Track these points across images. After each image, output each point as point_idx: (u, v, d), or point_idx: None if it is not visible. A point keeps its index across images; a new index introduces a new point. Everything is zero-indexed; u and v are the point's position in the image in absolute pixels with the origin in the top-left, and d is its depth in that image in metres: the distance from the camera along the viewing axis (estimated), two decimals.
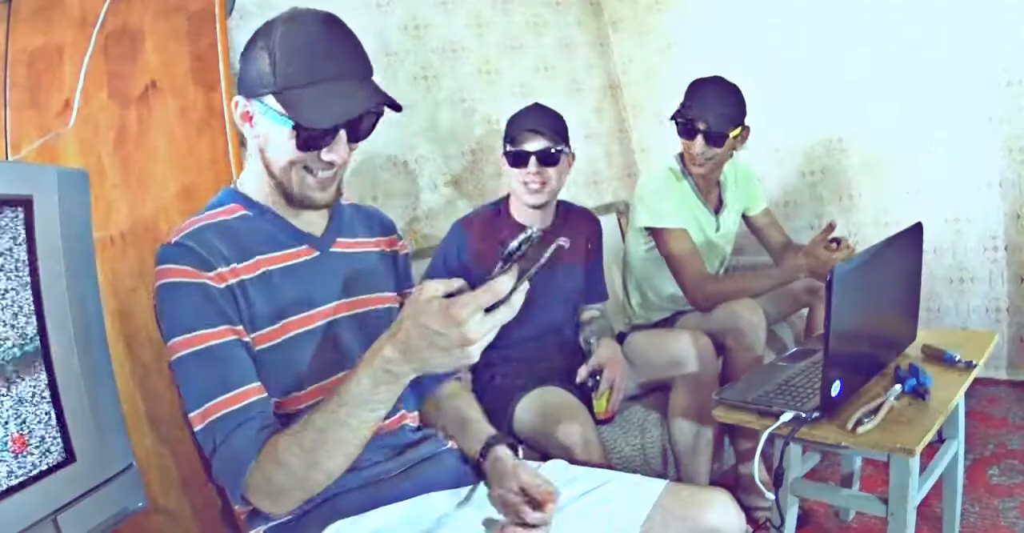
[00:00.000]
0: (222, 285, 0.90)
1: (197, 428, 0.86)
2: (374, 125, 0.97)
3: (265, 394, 0.90)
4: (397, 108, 0.94)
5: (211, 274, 0.89)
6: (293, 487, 0.83)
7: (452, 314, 0.67)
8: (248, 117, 0.94)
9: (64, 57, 1.42)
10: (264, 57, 0.89)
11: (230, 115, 1.56)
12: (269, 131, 0.92)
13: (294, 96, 0.88)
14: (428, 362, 0.72)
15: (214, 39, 1.58)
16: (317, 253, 1.01)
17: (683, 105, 1.87)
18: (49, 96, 1.40)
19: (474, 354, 0.70)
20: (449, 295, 0.70)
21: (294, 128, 0.89)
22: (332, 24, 0.91)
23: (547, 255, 0.74)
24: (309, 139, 0.90)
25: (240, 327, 0.91)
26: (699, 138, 1.83)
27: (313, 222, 1.03)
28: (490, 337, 0.70)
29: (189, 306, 0.88)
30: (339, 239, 1.05)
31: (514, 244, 0.70)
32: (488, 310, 0.68)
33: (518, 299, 0.70)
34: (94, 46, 1.42)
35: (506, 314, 0.70)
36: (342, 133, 0.92)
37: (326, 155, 0.92)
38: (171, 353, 0.88)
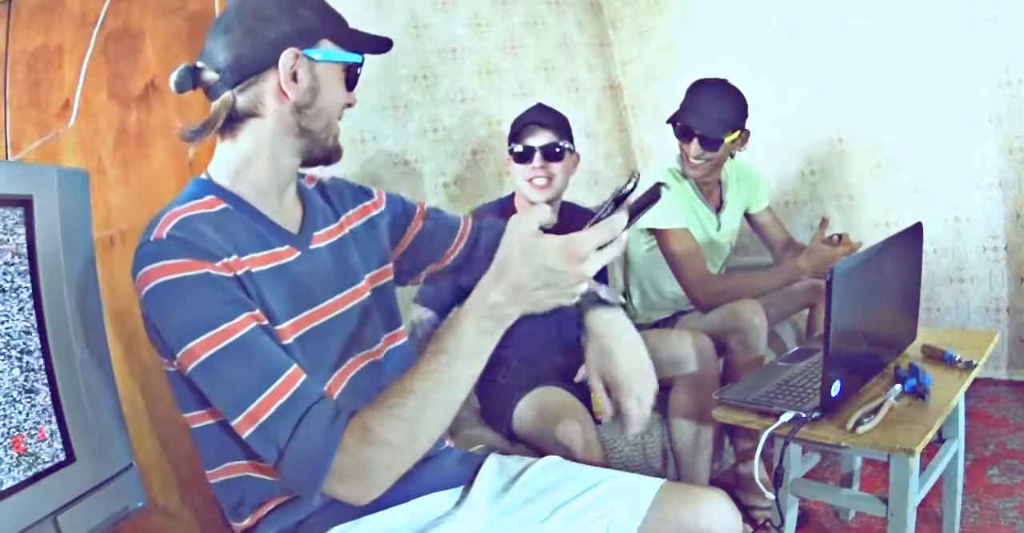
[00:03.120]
0: (229, 274, 0.81)
1: (247, 434, 0.76)
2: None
3: (307, 374, 0.81)
4: (388, 44, 0.99)
5: (216, 264, 0.80)
6: (394, 465, 0.77)
7: (574, 251, 0.68)
8: (293, 73, 0.89)
9: (64, 57, 1.42)
10: (301, 11, 0.89)
11: None
12: (324, 77, 0.91)
13: (348, 36, 0.93)
14: (540, 302, 0.72)
15: None
16: (299, 253, 0.94)
17: (681, 108, 1.87)
18: (49, 96, 1.40)
19: (582, 291, 0.71)
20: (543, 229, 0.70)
21: (348, 67, 0.93)
22: None
23: (650, 197, 0.74)
24: (353, 78, 0.95)
25: (258, 311, 0.82)
26: (695, 142, 1.83)
27: (289, 214, 0.97)
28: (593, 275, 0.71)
29: (199, 301, 0.78)
30: (315, 233, 0.99)
31: (628, 186, 0.72)
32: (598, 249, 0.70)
33: (625, 236, 0.71)
34: (94, 46, 1.42)
35: (615, 250, 0.70)
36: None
37: (349, 97, 0.96)
38: (191, 359, 0.77)
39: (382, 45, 0.97)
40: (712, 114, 1.80)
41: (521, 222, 0.71)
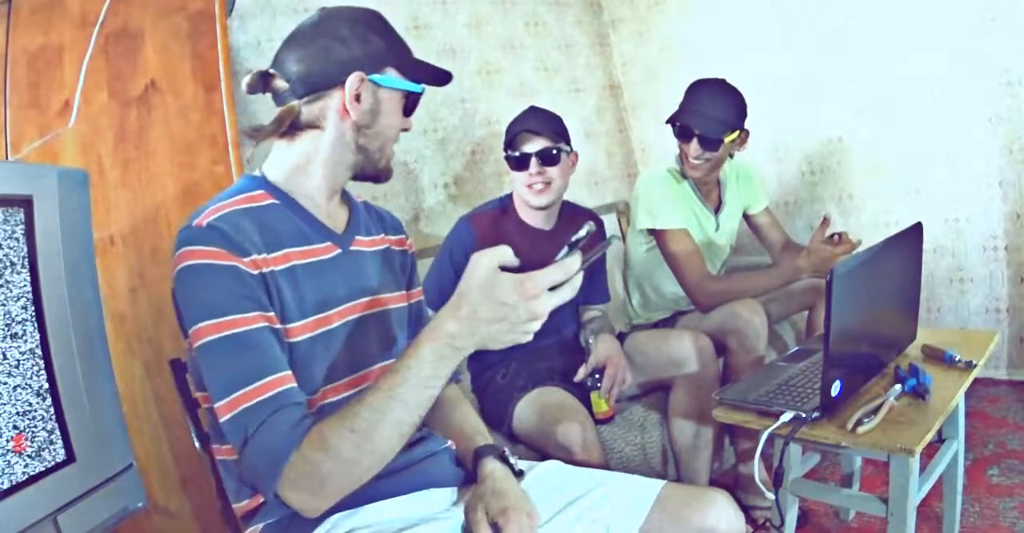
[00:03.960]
0: (255, 271, 0.86)
1: (223, 418, 0.82)
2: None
3: (296, 384, 0.85)
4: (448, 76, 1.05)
5: (245, 259, 0.85)
6: (341, 476, 0.79)
7: (527, 288, 0.71)
8: (357, 95, 0.95)
9: (64, 57, 1.42)
10: (371, 37, 0.95)
11: (231, 114, 1.56)
12: (385, 102, 0.97)
13: (412, 66, 0.99)
14: (493, 337, 0.74)
15: (214, 39, 1.58)
16: (339, 251, 0.99)
17: (680, 108, 1.87)
18: (49, 96, 1.40)
19: (534, 329, 0.74)
20: (503, 268, 0.73)
21: (408, 95, 0.99)
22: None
23: (603, 246, 0.82)
24: (412, 105, 1.01)
25: (272, 314, 0.87)
26: (694, 142, 1.83)
27: (335, 217, 1.02)
28: (546, 316, 0.73)
29: (219, 289, 0.83)
30: (357, 237, 1.04)
31: (581, 233, 0.77)
32: (551, 289, 0.73)
33: (578, 280, 0.74)
34: (94, 46, 1.42)
35: (567, 293, 0.74)
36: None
37: (407, 123, 1.02)
38: (196, 339, 0.83)
39: (443, 77, 1.03)
40: (711, 114, 1.80)
41: (483, 256, 0.74)
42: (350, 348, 0.97)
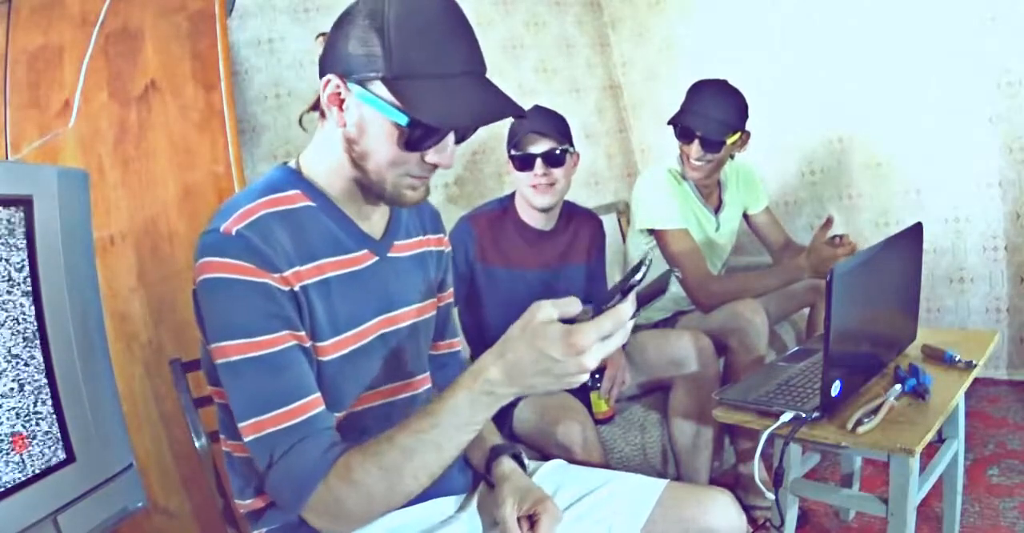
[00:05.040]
0: (286, 288, 0.80)
1: (249, 438, 0.79)
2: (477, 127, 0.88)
3: (324, 407, 0.82)
4: (523, 115, 0.82)
5: (276, 276, 0.79)
6: (365, 509, 0.77)
7: (574, 342, 0.64)
8: (339, 100, 0.81)
9: (64, 57, 1.42)
10: (372, 36, 0.77)
11: (231, 114, 1.56)
12: (370, 122, 0.81)
13: (415, 88, 0.77)
14: (535, 387, 0.69)
15: (214, 39, 1.57)
16: (376, 259, 0.92)
17: (681, 109, 1.87)
18: (49, 96, 1.40)
19: (581, 381, 0.68)
20: (563, 320, 0.67)
21: (408, 125, 0.79)
22: (452, 8, 0.80)
23: (659, 285, 0.73)
24: (419, 138, 0.80)
25: (302, 333, 0.82)
26: (696, 143, 1.82)
27: (374, 220, 0.94)
28: (596, 366, 0.67)
29: (247, 308, 0.78)
30: (396, 242, 0.97)
31: (637, 277, 0.67)
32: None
33: (629, 326, 0.68)
34: (94, 46, 1.42)
35: (619, 340, 0.67)
36: (451, 135, 0.83)
37: (432, 157, 0.83)
38: (220, 356, 0.79)
39: (459, 117, 0.79)
40: (713, 115, 1.80)
41: (540, 308, 0.68)
42: (383, 363, 0.93)
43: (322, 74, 0.83)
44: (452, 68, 0.79)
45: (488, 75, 0.83)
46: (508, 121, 1.76)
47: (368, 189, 0.87)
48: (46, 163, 1.34)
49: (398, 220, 0.98)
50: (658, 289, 0.73)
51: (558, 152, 1.65)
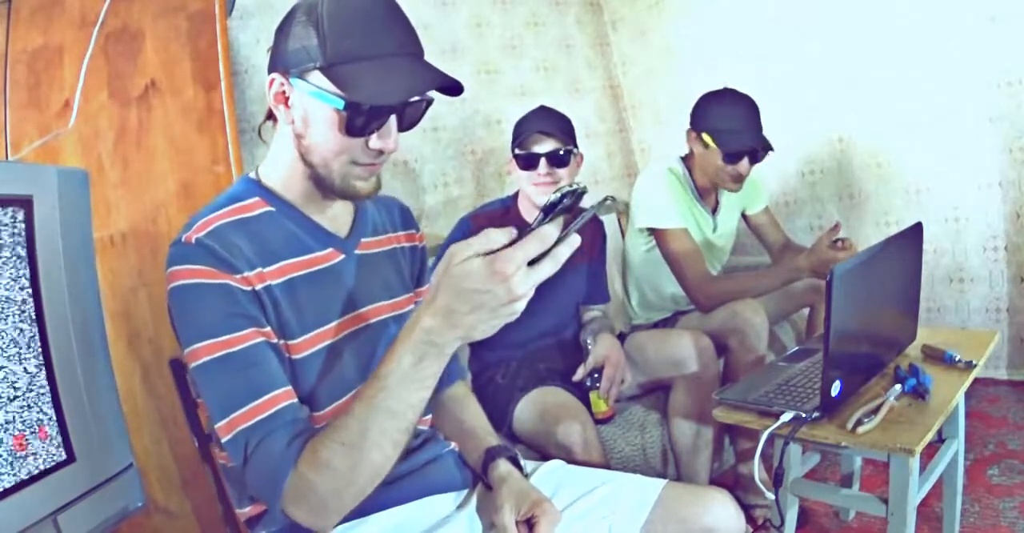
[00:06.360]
0: (247, 288, 0.83)
1: (225, 439, 0.79)
2: (423, 112, 0.89)
3: (296, 400, 0.82)
4: (460, 90, 0.84)
5: (236, 276, 0.82)
6: (340, 491, 0.76)
7: (497, 269, 0.61)
8: (284, 98, 0.85)
9: (64, 57, 1.42)
10: (309, 30, 0.81)
11: (231, 114, 1.56)
12: (312, 113, 0.84)
13: (348, 71, 0.80)
14: (474, 326, 0.65)
15: (214, 39, 1.57)
16: (342, 256, 0.94)
17: (729, 130, 1.80)
18: (49, 96, 1.40)
19: (519, 310, 0.64)
20: (487, 253, 0.64)
21: (344, 109, 0.81)
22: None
23: (596, 207, 0.69)
24: (359, 123, 0.83)
25: (268, 329, 0.83)
26: (745, 160, 1.80)
27: (339, 219, 0.96)
28: (531, 293, 0.64)
29: (211, 309, 0.80)
30: (363, 239, 0.98)
31: (555, 196, 0.64)
32: (530, 264, 0.63)
33: (563, 252, 0.63)
34: (94, 46, 1.42)
35: (549, 268, 0.63)
36: (392, 118, 0.85)
37: (375, 142, 0.85)
38: (192, 360, 0.81)
39: (391, 94, 0.81)
40: (758, 129, 1.80)
41: (458, 248, 0.65)
42: (357, 360, 0.93)
43: (268, 73, 0.86)
44: (385, 49, 0.82)
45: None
46: (510, 121, 1.77)
47: (322, 184, 0.89)
48: (46, 163, 1.34)
49: (364, 217, 1.00)
50: (587, 213, 0.67)
51: (562, 152, 1.65)
